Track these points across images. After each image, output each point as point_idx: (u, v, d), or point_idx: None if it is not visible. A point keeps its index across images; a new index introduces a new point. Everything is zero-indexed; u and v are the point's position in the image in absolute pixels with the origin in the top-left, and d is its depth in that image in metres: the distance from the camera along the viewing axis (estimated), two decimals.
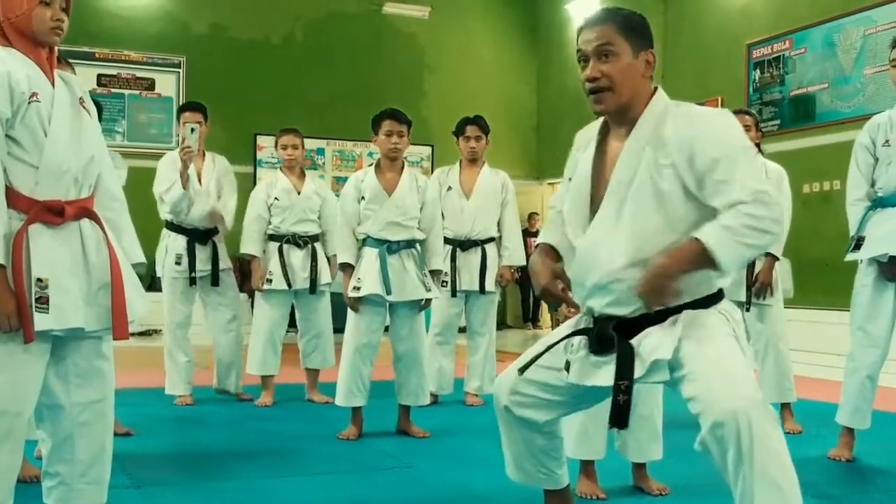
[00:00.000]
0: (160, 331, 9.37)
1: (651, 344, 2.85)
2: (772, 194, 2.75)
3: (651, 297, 2.82)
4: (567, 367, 3.05)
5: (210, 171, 6.74)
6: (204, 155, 6.77)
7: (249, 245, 6.89)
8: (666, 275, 2.78)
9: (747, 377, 2.73)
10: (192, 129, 6.38)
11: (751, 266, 5.77)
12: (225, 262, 6.84)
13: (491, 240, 6.91)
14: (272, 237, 6.93)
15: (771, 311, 5.86)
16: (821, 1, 10.28)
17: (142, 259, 3.49)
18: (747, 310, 5.80)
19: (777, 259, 5.83)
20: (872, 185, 4.96)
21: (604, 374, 2.94)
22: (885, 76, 9.13)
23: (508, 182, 7.04)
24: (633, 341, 2.89)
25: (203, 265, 6.72)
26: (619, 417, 2.91)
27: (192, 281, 6.70)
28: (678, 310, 2.87)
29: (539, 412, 3.18)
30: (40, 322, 2.93)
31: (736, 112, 5.92)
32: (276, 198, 6.90)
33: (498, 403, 3.26)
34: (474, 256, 6.83)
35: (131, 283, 3.22)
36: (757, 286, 5.79)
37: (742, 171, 2.77)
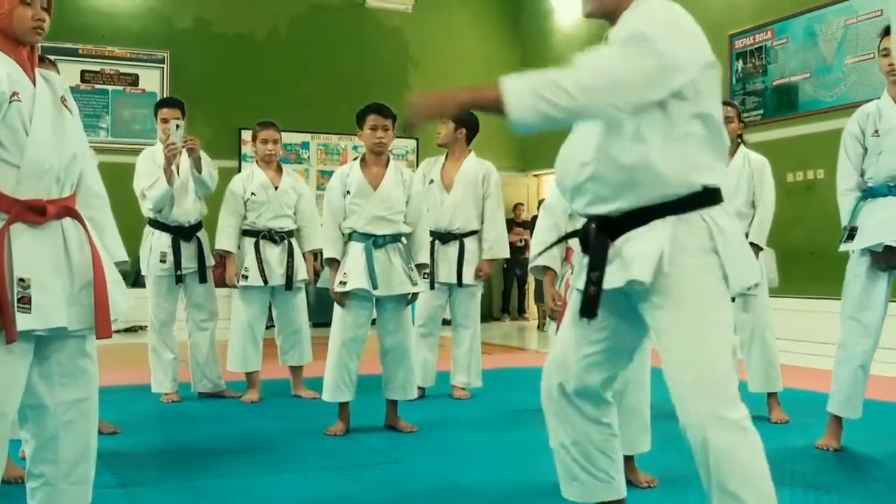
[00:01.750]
0: (145, 327, 9.30)
1: (634, 250, 2.81)
2: (592, 66, 2.69)
3: (416, 110, 2.74)
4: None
5: (186, 165, 6.64)
6: (181, 151, 6.62)
7: (225, 240, 6.80)
8: (449, 95, 2.76)
9: (716, 374, 2.72)
10: (178, 126, 6.35)
11: None
12: (209, 259, 6.81)
13: (473, 233, 6.90)
14: (247, 232, 6.84)
15: (756, 300, 5.87)
16: None
17: (124, 257, 3.47)
18: (732, 300, 5.81)
19: (761, 249, 5.83)
20: (862, 174, 4.96)
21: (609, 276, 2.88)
22: (866, 65, 9.16)
23: (491, 173, 7.03)
24: (618, 241, 2.85)
25: (188, 262, 6.68)
26: (587, 308, 2.90)
27: (178, 279, 6.67)
28: (662, 211, 2.81)
29: (595, 371, 3.07)
30: (23, 322, 2.92)
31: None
32: (252, 192, 6.81)
33: (550, 393, 3.15)
34: (453, 249, 6.82)
35: (114, 281, 3.20)
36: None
37: (601, 51, 2.77)
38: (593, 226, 2.90)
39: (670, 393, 2.78)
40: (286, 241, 6.85)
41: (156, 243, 6.66)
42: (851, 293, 4.96)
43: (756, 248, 5.79)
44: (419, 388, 6.45)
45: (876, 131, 4.87)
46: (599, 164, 2.84)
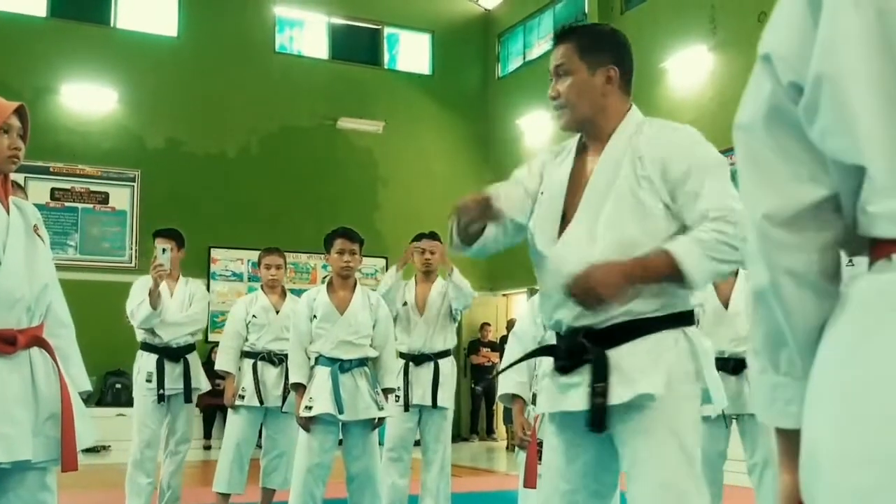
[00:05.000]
0: (108, 447, 9.19)
1: (635, 365, 2.74)
2: (738, 211, 2.61)
3: (590, 298, 2.69)
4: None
5: (182, 291, 6.81)
6: (178, 278, 6.84)
7: (225, 361, 6.83)
8: (624, 276, 2.67)
9: None
10: (164, 250, 6.46)
11: None
12: (198, 381, 6.80)
13: (446, 353, 6.88)
14: (247, 354, 6.87)
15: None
16: None
17: (88, 387, 3.46)
18: (726, 424, 5.73)
19: None
20: None
21: (574, 397, 2.81)
22: None
23: (452, 279, 6.95)
24: (611, 353, 2.77)
25: (173, 383, 6.68)
26: (596, 420, 2.76)
27: (161, 398, 6.65)
28: (655, 324, 2.76)
29: None
30: None
31: None
32: (253, 315, 6.88)
33: None
34: (427, 370, 6.78)
35: (79, 413, 3.18)
36: None
37: (711, 185, 2.72)
38: (582, 338, 2.80)
39: None
40: (285, 364, 6.84)
41: (143, 364, 6.71)
42: None
43: None
44: None
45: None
46: None
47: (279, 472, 6.90)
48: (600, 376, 2.75)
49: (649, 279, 2.70)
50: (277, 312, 6.92)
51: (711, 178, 2.74)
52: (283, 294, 7.07)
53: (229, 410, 6.91)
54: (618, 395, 2.74)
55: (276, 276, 7.00)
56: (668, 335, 2.75)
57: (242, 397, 6.75)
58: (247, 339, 6.89)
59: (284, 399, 6.77)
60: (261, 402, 6.74)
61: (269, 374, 6.83)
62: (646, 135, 2.86)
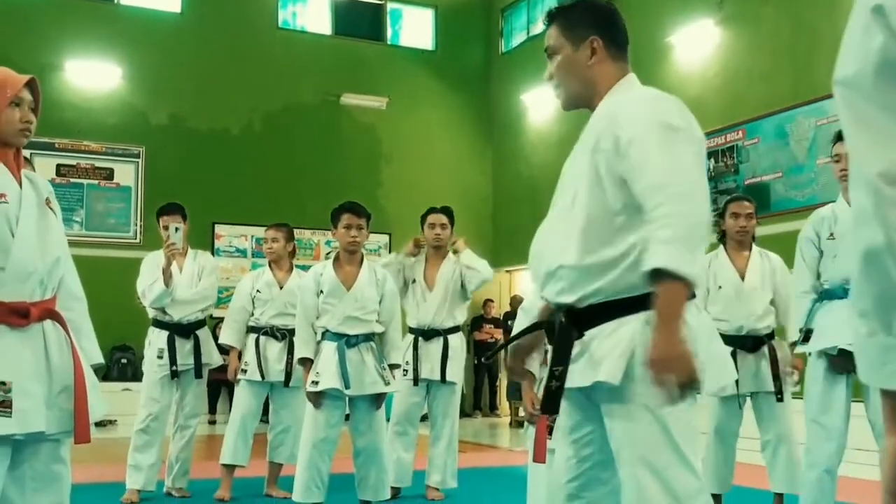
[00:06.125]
0: (115, 421, 9.20)
1: (602, 349, 2.67)
2: (681, 181, 2.52)
3: (667, 378, 2.45)
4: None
5: (191, 266, 6.87)
6: (186, 253, 6.89)
7: (229, 335, 6.92)
8: (673, 346, 2.44)
9: (676, 497, 2.60)
10: (177, 228, 6.53)
11: (773, 353, 5.71)
12: (209, 357, 6.83)
13: (455, 329, 6.91)
14: (251, 328, 6.94)
15: (779, 401, 5.72)
16: (772, 92, 10.49)
17: (100, 360, 3.46)
18: (779, 400, 5.71)
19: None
20: (818, 277, 4.99)
21: (575, 374, 2.75)
22: None
23: (461, 261, 7.07)
24: (586, 336, 2.72)
25: (184, 359, 6.74)
26: (550, 404, 2.76)
27: (174, 374, 6.69)
28: (629, 306, 2.66)
29: (597, 489, 2.87)
30: (3, 426, 2.90)
31: (734, 199, 5.93)
32: (258, 290, 6.96)
33: None
34: (436, 345, 6.81)
35: (91, 386, 3.19)
36: (794, 376, 5.65)
37: (654, 158, 2.57)
38: (561, 316, 2.78)
39: None
40: (288, 339, 6.86)
41: (154, 340, 6.78)
42: (812, 396, 4.94)
43: (790, 343, 5.69)
44: (394, 487, 6.39)
45: (831, 234, 4.92)
46: (579, 251, 2.72)
47: (286, 447, 6.95)
48: (559, 360, 2.74)
49: (676, 316, 2.45)
50: (281, 288, 6.95)
51: (654, 147, 2.59)
52: (291, 269, 7.09)
53: (236, 384, 6.96)
54: (578, 379, 2.72)
55: (271, 248, 7.10)
56: (640, 316, 2.63)
57: (245, 371, 6.80)
58: (252, 314, 6.93)
59: (288, 374, 6.81)
60: (262, 376, 6.79)
61: (272, 348, 6.89)
62: (612, 105, 2.80)
